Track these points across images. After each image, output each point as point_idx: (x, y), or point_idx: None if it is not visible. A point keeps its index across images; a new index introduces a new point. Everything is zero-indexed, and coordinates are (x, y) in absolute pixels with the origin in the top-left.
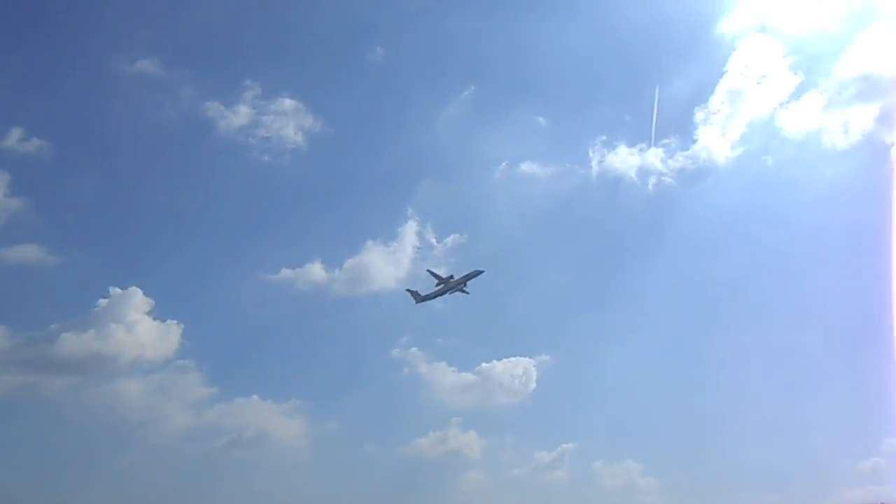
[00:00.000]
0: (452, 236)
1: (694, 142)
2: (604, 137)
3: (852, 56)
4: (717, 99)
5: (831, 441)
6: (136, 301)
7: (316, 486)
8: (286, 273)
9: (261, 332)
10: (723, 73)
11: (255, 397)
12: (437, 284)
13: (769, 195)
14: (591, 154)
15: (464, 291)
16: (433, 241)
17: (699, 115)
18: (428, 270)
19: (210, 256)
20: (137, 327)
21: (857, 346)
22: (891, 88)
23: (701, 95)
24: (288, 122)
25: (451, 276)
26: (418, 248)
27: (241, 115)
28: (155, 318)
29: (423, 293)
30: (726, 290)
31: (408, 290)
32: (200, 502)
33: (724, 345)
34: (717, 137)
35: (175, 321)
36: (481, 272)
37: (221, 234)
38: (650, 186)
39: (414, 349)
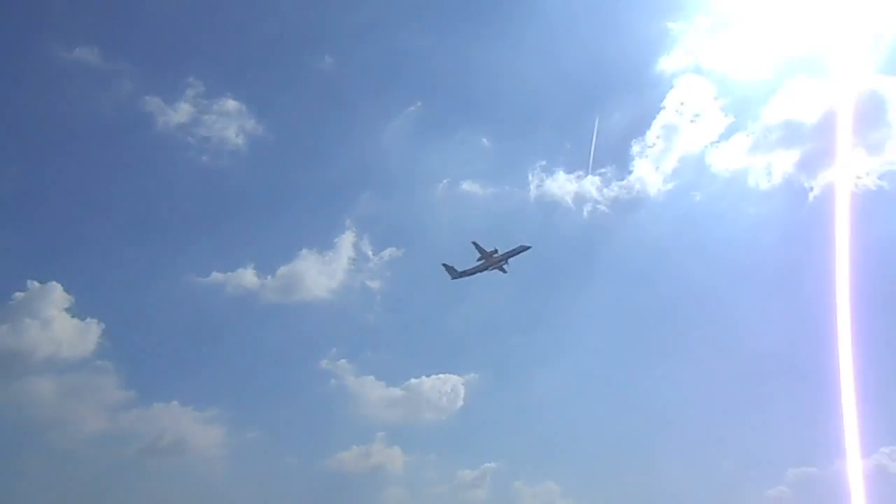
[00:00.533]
0: (389, 249)
1: (629, 173)
2: (543, 162)
3: (778, 103)
4: (653, 133)
5: (741, 469)
6: (55, 296)
7: (232, 497)
8: (217, 277)
9: (186, 336)
10: (660, 109)
11: (174, 403)
12: (479, 259)
13: (697, 229)
14: (530, 178)
15: (503, 270)
16: (369, 253)
17: (635, 148)
18: (473, 243)
19: (138, 254)
20: (54, 324)
21: (769, 377)
22: (811, 137)
23: (638, 129)
24: (230, 123)
25: (496, 251)
26: (354, 259)
27: (181, 112)
28: (73, 316)
29: (459, 269)
30: (652, 318)
31: (444, 264)
32: None
33: (647, 372)
34: (651, 170)
35: (95, 320)
36: (528, 248)
37: (152, 233)
38: (585, 213)
39: (342, 361)
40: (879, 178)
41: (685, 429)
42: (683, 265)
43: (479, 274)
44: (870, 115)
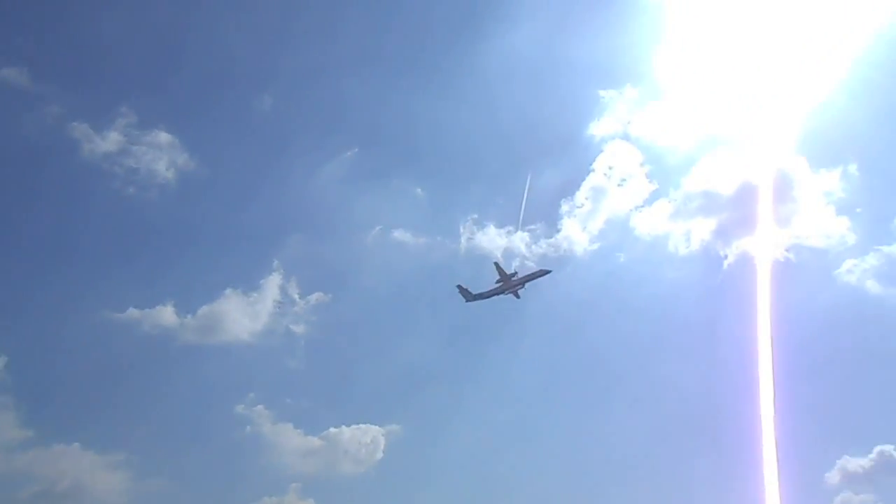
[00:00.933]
0: (316, 294)
1: (557, 231)
2: (475, 216)
3: (699, 173)
4: (581, 194)
5: None
6: None
7: None
8: (133, 313)
9: (95, 375)
10: (589, 172)
11: (75, 445)
12: (497, 281)
13: (620, 289)
14: (462, 230)
15: (517, 295)
16: (296, 296)
17: (564, 207)
18: (494, 263)
19: (49, 284)
20: None
21: (686, 434)
22: (727, 207)
23: (568, 189)
24: (161, 156)
25: (515, 273)
26: (279, 302)
27: (110, 141)
28: None
29: (474, 291)
30: (577, 372)
31: (458, 286)
32: None
33: (572, 426)
34: (578, 230)
35: None
36: (549, 272)
37: (67, 263)
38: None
39: (260, 407)
40: (787, 249)
41: (603, 484)
42: (606, 324)
43: (486, 298)
44: (779, 190)
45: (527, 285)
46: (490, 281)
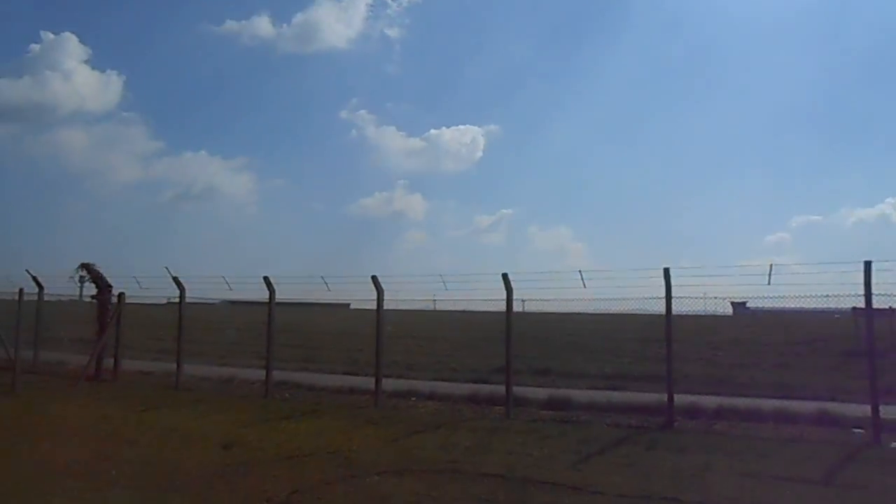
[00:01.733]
0: None
1: None
2: None
3: None
4: None
5: (747, 217)
6: (71, 48)
7: (263, 240)
8: (231, 25)
9: (207, 87)
10: None
11: (203, 152)
12: None
13: None
14: None
15: None
16: None
17: None
18: None
19: (147, 2)
20: (75, 76)
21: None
22: None
23: None
24: None
25: None
26: (371, 6)
27: None
28: (94, 68)
29: None
30: (679, 73)
31: None
32: (154, 247)
33: (668, 126)
34: None
35: (115, 71)
36: None
37: None
38: None
39: (363, 112)
40: None
41: (698, 182)
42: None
43: None
44: None
45: None
46: None
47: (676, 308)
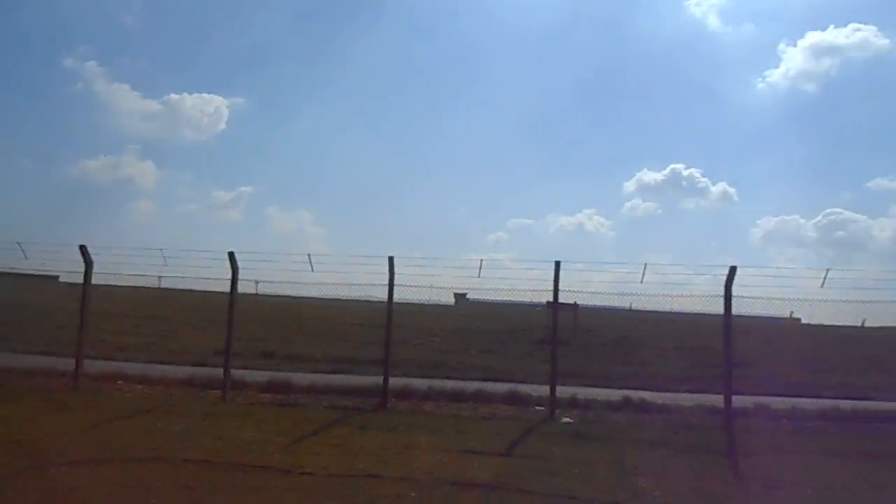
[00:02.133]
0: None
1: None
2: None
3: None
4: None
5: (473, 217)
6: None
7: None
8: None
9: None
10: None
11: None
12: None
13: None
14: None
15: None
16: None
17: None
18: None
19: None
20: None
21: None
22: None
23: None
24: None
25: None
26: None
27: None
28: None
29: None
30: (428, 72)
31: None
32: None
33: (410, 122)
34: None
35: None
36: None
37: None
38: None
39: (91, 63)
40: None
41: (434, 179)
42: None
43: None
44: None
45: None
46: None
47: (402, 296)
